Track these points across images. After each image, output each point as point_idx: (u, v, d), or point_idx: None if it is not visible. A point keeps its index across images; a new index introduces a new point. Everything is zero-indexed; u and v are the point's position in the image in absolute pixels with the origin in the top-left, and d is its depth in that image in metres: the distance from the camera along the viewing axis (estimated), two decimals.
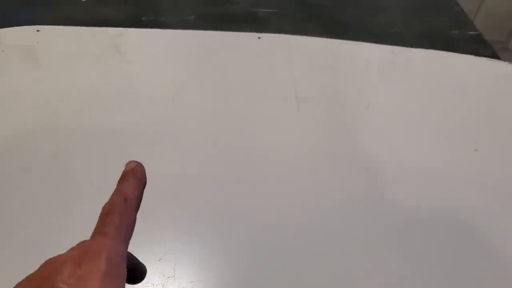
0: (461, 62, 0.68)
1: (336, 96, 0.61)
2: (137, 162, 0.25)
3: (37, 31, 0.63)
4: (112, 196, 0.23)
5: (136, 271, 0.26)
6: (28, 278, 0.19)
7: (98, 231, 0.21)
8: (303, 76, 0.63)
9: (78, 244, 0.21)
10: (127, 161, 0.25)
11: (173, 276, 0.40)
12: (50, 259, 0.20)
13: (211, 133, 0.53)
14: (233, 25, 0.71)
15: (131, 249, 0.23)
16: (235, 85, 0.61)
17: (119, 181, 0.24)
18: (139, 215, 0.23)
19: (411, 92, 0.63)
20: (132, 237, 0.22)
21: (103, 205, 0.23)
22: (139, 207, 0.24)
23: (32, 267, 0.19)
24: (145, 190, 0.24)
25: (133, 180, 0.24)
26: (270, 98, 0.59)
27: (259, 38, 0.69)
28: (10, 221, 0.43)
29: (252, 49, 0.67)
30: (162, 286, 0.40)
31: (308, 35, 0.70)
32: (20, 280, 0.19)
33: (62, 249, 0.20)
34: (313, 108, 0.59)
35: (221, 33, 0.68)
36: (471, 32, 0.76)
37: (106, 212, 0.22)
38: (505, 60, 0.69)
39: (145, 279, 0.27)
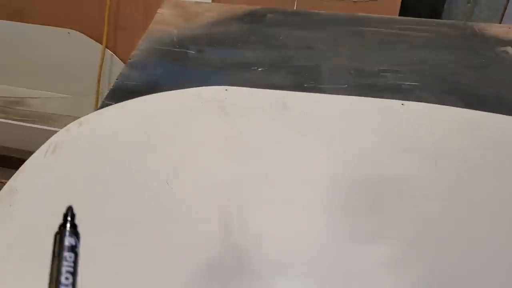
0: None
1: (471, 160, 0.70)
2: None
3: (226, 90, 0.82)
4: None
5: None
6: None
7: None
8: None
9: None
10: None
11: None
12: None
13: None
14: (379, 94, 0.84)
15: None
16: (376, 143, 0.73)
17: None
18: None
19: None
20: None
21: None
22: None
23: None
24: None
25: None
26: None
27: (402, 104, 0.81)
28: None
29: (396, 114, 0.79)
30: None
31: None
32: None
33: None
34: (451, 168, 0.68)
35: (368, 99, 0.82)
36: None
37: None
38: None
39: None
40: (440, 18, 1.49)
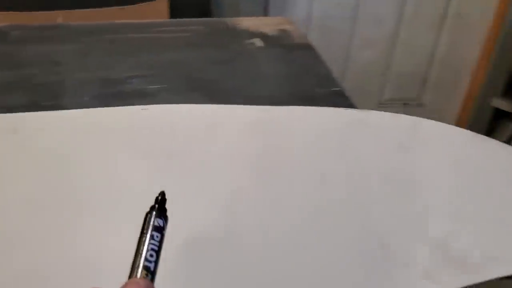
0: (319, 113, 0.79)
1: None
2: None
3: None
4: None
5: None
6: None
7: None
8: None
9: None
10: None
11: None
12: None
13: None
14: (124, 102, 0.82)
15: None
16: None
17: None
18: None
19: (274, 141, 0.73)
20: None
21: None
22: None
23: None
24: None
25: None
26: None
27: (143, 109, 0.79)
28: None
29: (138, 120, 0.78)
30: None
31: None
32: None
33: None
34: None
35: (108, 109, 0.79)
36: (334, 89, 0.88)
37: None
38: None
39: None
40: (210, 16, 1.54)
